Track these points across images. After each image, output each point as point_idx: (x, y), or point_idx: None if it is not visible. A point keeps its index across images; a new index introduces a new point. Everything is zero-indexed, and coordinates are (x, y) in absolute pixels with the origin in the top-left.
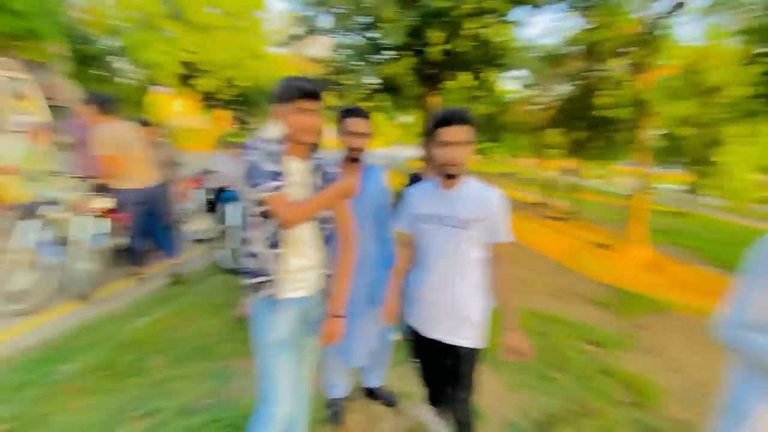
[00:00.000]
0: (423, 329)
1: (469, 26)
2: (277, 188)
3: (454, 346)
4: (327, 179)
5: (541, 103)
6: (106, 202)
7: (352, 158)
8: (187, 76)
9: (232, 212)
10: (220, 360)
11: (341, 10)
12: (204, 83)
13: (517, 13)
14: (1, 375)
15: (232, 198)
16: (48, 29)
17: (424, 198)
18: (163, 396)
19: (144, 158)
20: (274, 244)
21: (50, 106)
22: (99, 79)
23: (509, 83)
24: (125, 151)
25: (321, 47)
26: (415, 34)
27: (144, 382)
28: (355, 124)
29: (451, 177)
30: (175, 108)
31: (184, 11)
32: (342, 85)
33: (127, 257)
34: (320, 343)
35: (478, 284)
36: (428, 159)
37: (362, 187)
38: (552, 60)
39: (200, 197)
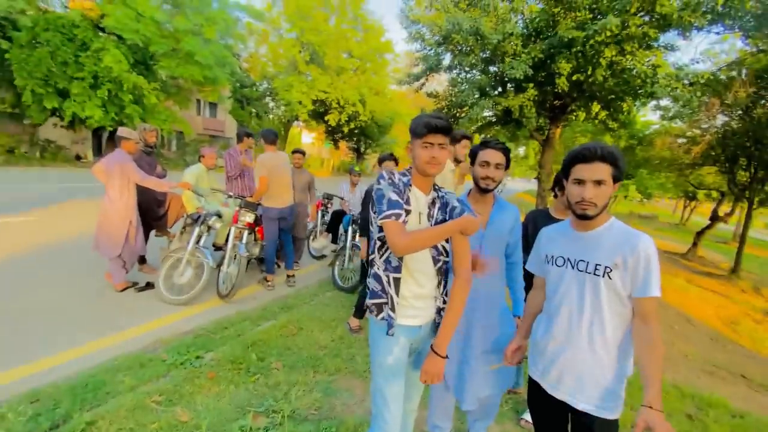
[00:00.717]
0: (547, 386)
1: (608, 54)
2: (395, 215)
3: (585, 414)
4: (450, 213)
5: (690, 136)
6: (251, 217)
7: (483, 189)
8: (318, 113)
9: (348, 235)
10: (327, 374)
11: (463, 48)
12: (332, 118)
13: (664, 38)
14: (161, 353)
15: (350, 221)
16: (222, 76)
17: (558, 238)
18: (278, 398)
19: (289, 182)
20: (394, 269)
21: (216, 137)
22: (252, 116)
23: (648, 114)
24: (278, 176)
25: (438, 83)
26: (541, 65)
27: (264, 382)
28: (489, 154)
29: (586, 218)
30: (304, 139)
31: (322, 57)
32: (456, 117)
33: (260, 266)
34: (420, 380)
35: (619, 344)
36: (560, 197)
37: (492, 222)
38: (708, 88)
39: (320, 218)
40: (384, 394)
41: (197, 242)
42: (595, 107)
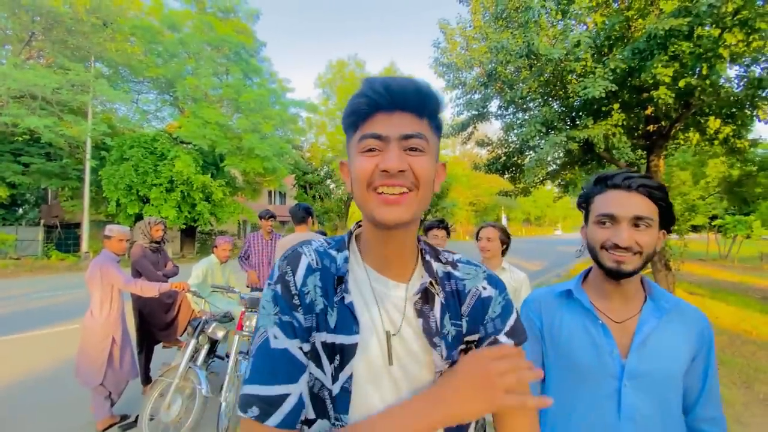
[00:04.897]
0: None
1: (731, 41)
2: (263, 411)
3: None
4: (479, 315)
5: None
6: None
7: (611, 271)
8: None
9: None
10: None
11: (513, 83)
12: None
13: None
14: None
15: None
16: (281, 166)
17: None
18: None
19: None
20: None
21: (285, 222)
22: (316, 199)
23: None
24: None
25: (490, 133)
26: (623, 80)
27: None
28: (618, 200)
29: None
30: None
31: None
32: (519, 166)
33: None
34: None
35: None
36: None
37: (643, 339)
38: None
39: None
40: None
41: (192, 359)
42: (714, 123)
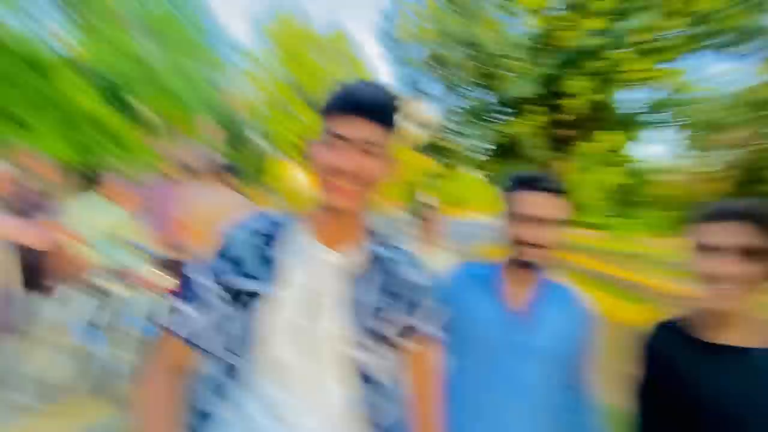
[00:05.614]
0: None
1: (638, 67)
2: (174, 326)
3: None
4: (408, 298)
5: (701, 172)
6: (170, 280)
7: (521, 262)
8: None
9: None
10: None
11: (456, 71)
12: None
13: (693, 59)
14: None
15: None
16: (197, 105)
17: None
18: None
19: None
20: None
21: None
22: (235, 149)
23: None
24: (210, 221)
25: (425, 111)
26: (549, 85)
27: None
28: (531, 203)
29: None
30: (297, 177)
31: (305, 90)
32: (451, 151)
33: None
34: None
35: None
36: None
37: (537, 321)
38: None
39: None
40: None
41: (83, 318)
42: (604, 137)
